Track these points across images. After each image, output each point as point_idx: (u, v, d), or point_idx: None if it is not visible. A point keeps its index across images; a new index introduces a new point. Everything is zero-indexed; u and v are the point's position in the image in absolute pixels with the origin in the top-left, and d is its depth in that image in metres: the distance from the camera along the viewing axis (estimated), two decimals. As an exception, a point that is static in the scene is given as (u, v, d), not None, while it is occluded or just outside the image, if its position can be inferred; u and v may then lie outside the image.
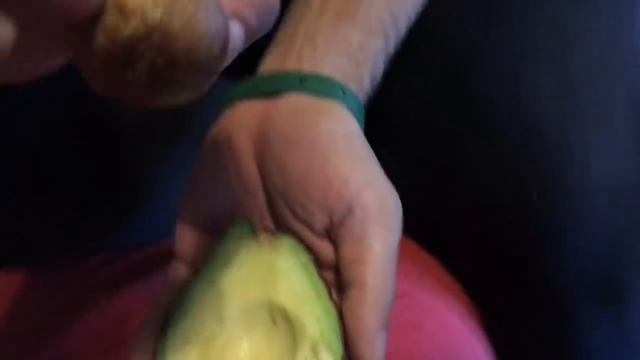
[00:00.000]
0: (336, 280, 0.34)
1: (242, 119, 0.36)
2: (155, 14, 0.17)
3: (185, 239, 0.36)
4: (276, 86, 0.36)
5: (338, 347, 0.31)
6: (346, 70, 0.37)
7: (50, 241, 0.48)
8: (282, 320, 0.34)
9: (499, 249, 0.44)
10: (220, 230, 0.35)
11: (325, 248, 0.34)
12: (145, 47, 0.18)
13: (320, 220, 0.33)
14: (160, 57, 0.18)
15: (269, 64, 0.38)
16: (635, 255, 0.45)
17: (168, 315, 0.33)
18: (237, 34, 0.22)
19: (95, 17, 0.17)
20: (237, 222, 0.35)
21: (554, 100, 0.43)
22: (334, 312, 0.32)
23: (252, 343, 0.34)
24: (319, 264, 0.34)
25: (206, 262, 0.35)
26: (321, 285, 0.33)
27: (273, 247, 0.34)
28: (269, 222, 0.36)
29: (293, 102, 0.35)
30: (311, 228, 0.34)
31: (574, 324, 0.45)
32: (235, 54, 0.23)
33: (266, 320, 0.34)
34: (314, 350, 0.32)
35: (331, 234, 0.33)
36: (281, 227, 0.35)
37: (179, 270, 0.36)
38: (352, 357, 0.31)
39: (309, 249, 0.34)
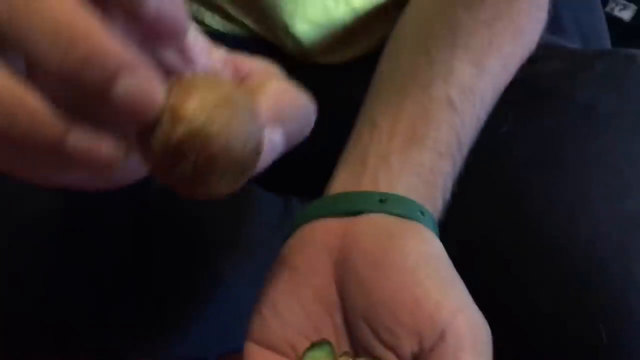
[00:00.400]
0: None
1: (320, 237, 0.35)
2: (198, 121, 0.21)
3: (256, 359, 0.35)
4: (355, 206, 0.35)
5: None
6: (420, 192, 0.37)
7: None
8: None
9: None
10: (296, 353, 0.33)
11: None
12: (189, 148, 0.21)
13: (407, 346, 0.32)
14: (201, 156, 0.22)
15: (342, 184, 0.38)
16: None
17: None
18: (277, 139, 0.26)
19: (155, 122, 0.21)
20: (316, 345, 0.34)
21: (612, 233, 0.43)
22: None
23: None
24: None
25: None
26: None
27: None
28: (345, 347, 0.34)
29: (375, 222, 0.35)
30: (397, 354, 0.32)
31: None
32: (276, 156, 0.26)
33: None
34: None
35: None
36: (360, 352, 0.33)
37: None
38: None
39: None
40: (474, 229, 0.46)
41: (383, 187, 0.36)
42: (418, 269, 0.32)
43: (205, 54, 0.27)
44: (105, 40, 0.20)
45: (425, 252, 0.33)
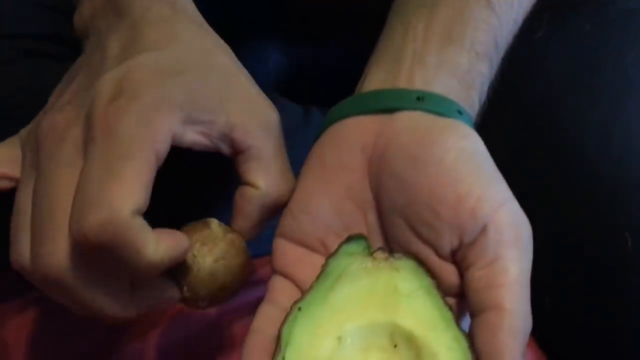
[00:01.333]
0: (459, 307, 0.32)
1: (353, 134, 0.34)
2: (215, 285, 0.36)
3: (288, 255, 0.34)
4: (392, 103, 0.34)
5: None
6: (457, 92, 0.35)
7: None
8: (405, 346, 0.31)
9: (590, 298, 0.42)
10: (327, 249, 0.33)
11: (450, 272, 0.32)
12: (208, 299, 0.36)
13: (448, 241, 0.31)
14: (207, 298, 0.36)
15: (376, 82, 0.36)
16: None
17: (280, 334, 0.31)
18: None
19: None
20: (352, 238, 0.33)
21: None
22: (464, 343, 0.30)
23: None
24: (442, 289, 0.32)
25: (318, 279, 0.33)
26: (448, 311, 0.31)
27: (392, 267, 0.32)
28: (380, 244, 0.34)
29: (413, 119, 0.34)
30: (436, 249, 0.32)
31: None
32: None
33: (387, 345, 0.32)
34: None
35: (458, 255, 0.31)
36: (396, 249, 0.33)
37: (281, 286, 0.34)
38: None
39: (431, 272, 0.32)
40: (503, 137, 0.46)
41: (419, 86, 0.35)
42: (458, 165, 0.31)
43: None
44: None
45: (465, 148, 0.32)
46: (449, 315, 0.31)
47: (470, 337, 0.30)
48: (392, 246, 0.33)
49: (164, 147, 0.32)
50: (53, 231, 0.31)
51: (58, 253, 0.30)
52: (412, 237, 0.32)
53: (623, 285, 0.41)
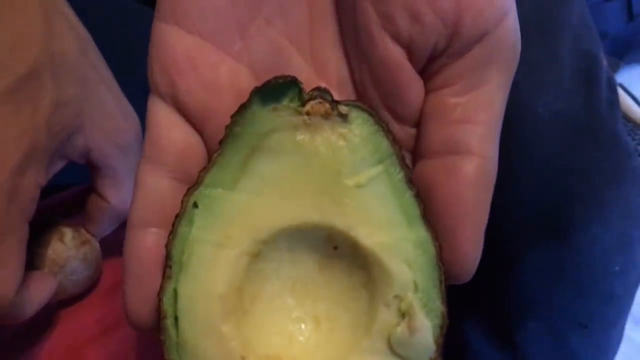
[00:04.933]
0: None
1: None
2: None
3: (176, 53, 0.25)
4: None
5: (438, 304, 0.23)
6: None
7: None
8: (349, 255, 0.24)
9: None
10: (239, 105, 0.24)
11: (417, 88, 0.24)
12: None
13: (432, 42, 0.23)
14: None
15: None
16: (576, 192, 0.43)
17: (169, 252, 0.23)
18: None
19: None
20: (274, 84, 0.23)
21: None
22: (431, 248, 0.23)
23: (300, 279, 0.25)
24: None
25: (222, 149, 0.24)
26: (414, 205, 0.23)
27: (335, 131, 0.23)
28: (334, 62, 0.25)
29: None
30: (411, 53, 0.24)
31: (518, 265, 0.44)
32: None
33: (323, 251, 0.25)
34: (403, 310, 0.23)
35: (433, 67, 0.24)
36: (352, 55, 0.25)
37: (165, 122, 0.25)
38: (443, 245, 0.23)
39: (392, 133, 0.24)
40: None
41: None
42: None
43: None
44: None
45: None
46: (411, 203, 0.23)
47: (421, 180, 0.23)
48: (345, 44, 0.25)
49: (34, 206, 0.35)
50: None
51: None
52: (381, 32, 0.24)
53: None
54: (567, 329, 0.47)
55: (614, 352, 0.52)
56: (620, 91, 0.68)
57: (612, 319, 0.48)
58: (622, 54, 0.95)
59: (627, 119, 0.64)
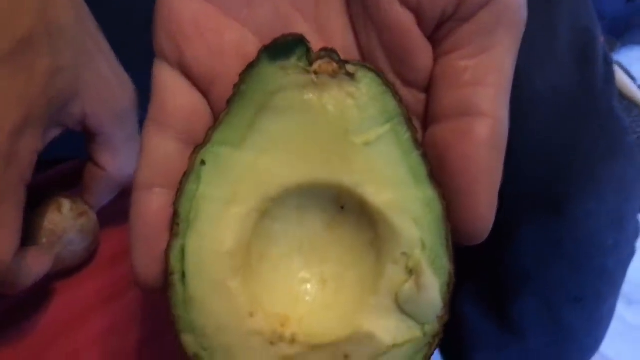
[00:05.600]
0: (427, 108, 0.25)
1: None
2: None
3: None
4: None
5: (445, 261, 0.23)
6: None
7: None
8: (356, 211, 0.24)
9: None
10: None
11: (426, 53, 0.25)
12: None
13: (441, 5, 0.24)
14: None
15: None
16: (572, 167, 0.44)
17: (176, 209, 0.23)
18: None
19: None
20: (282, 41, 0.23)
21: None
22: (438, 206, 0.23)
23: (308, 239, 0.25)
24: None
25: (229, 108, 0.24)
26: (421, 164, 0.23)
27: (343, 89, 0.23)
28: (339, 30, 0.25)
29: None
30: (421, 18, 0.24)
31: (513, 239, 0.44)
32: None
33: (330, 211, 0.25)
34: (411, 267, 0.23)
35: (442, 32, 0.24)
36: (357, 21, 0.25)
37: (172, 88, 0.25)
38: (456, 212, 0.23)
39: (400, 96, 0.24)
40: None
41: None
42: None
43: None
44: None
45: None
46: (418, 162, 0.23)
47: (433, 144, 0.23)
48: (351, 11, 0.25)
49: (31, 171, 0.35)
50: None
51: None
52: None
53: None
54: (562, 303, 0.48)
55: (606, 326, 0.53)
56: (617, 68, 0.68)
57: (604, 294, 0.49)
58: (620, 34, 0.95)
59: (623, 96, 0.65)
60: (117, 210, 0.42)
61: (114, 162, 0.40)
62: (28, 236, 0.37)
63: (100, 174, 0.40)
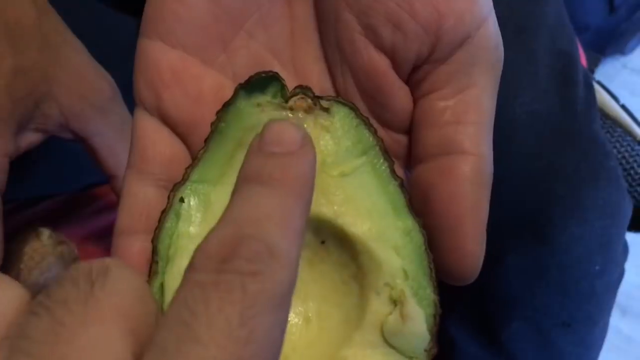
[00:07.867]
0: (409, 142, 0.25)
1: None
2: None
3: (150, 133, 0.26)
4: None
5: (429, 292, 0.23)
6: None
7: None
8: (337, 244, 0.24)
9: None
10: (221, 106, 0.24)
11: (403, 95, 0.25)
12: None
13: (415, 49, 0.24)
14: None
15: None
16: (555, 193, 0.44)
17: (155, 246, 0.23)
18: None
19: None
20: (256, 79, 0.24)
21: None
22: (418, 236, 0.23)
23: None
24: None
25: (208, 145, 0.24)
26: (398, 193, 0.23)
27: (319, 123, 0.24)
28: (314, 64, 0.26)
29: None
30: (395, 61, 0.24)
31: (500, 265, 0.44)
32: None
33: (311, 241, 0.24)
34: (394, 298, 0.23)
35: (419, 74, 0.25)
36: (331, 57, 0.25)
37: (151, 133, 0.26)
38: (444, 252, 0.23)
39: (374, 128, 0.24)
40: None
41: None
42: None
43: None
44: None
45: None
46: (397, 192, 0.23)
47: (418, 185, 0.23)
48: (327, 56, 0.25)
49: (4, 176, 0.32)
50: None
51: None
52: (364, 42, 0.24)
53: None
54: (551, 328, 0.47)
55: (599, 348, 0.52)
56: (598, 87, 0.67)
57: (594, 317, 0.49)
58: (603, 46, 0.95)
59: (606, 116, 0.65)
60: (96, 245, 0.42)
61: (114, 160, 0.38)
62: (6, 261, 0.37)
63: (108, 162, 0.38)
